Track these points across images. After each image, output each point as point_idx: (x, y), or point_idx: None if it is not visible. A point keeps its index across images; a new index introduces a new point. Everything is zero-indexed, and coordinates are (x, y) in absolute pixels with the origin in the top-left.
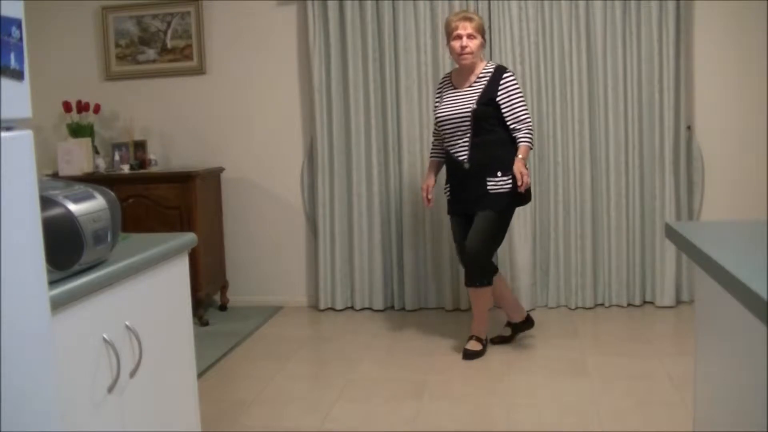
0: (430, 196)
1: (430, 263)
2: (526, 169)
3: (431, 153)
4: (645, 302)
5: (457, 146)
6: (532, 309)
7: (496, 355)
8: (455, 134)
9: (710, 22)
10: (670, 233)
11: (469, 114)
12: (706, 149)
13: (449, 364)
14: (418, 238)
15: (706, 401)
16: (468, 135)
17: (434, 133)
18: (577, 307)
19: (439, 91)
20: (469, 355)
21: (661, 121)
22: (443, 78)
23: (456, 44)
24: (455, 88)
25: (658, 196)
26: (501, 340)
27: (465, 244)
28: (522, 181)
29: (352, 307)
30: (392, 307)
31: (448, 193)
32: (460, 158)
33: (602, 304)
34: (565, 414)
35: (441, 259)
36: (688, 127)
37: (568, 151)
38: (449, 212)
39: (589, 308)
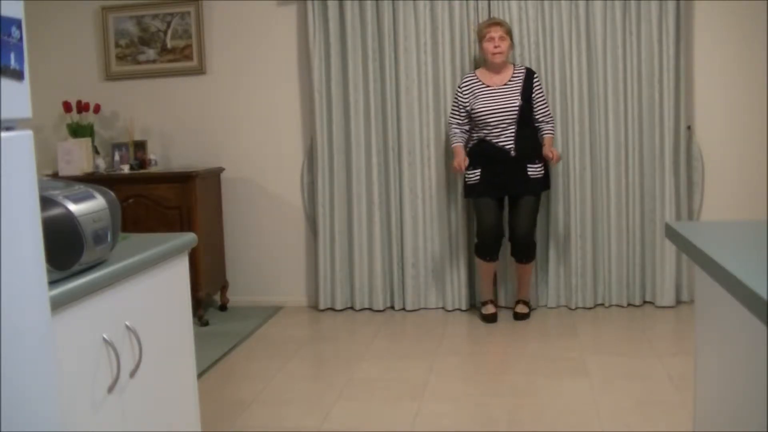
0: (466, 164)
1: (430, 263)
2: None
3: (458, 140)
4: (645, 302)
5: (503, 136)
6: (533, 309)
7: (496, 354)
8: (499, 126)
9: (710, 22)
10: (670, 233)
11: (517, 108)
12: (706, 149)
13: (449, 364)
14: (418, 238)
15: (706, 401)
16: (513, 127)
17: (458, 123)
18: (577, 307)
19: (468, 87)
20: (521, 317)
21: (661, 121)
22: (469, 77)
23: (489, 45)
24: (488, 86)
25: (658, 196)
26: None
27: (498, 224)
28: (554, 156)
29: (352, 307)
30: (392, 307)
31: (477, 178)
32: (507, 147)
33: (602, 304)
34: (565, 414)
35: (441, 259)
36: (688, 127)
37: (568, 151)
38: (479, 195)
39: (589, 308)
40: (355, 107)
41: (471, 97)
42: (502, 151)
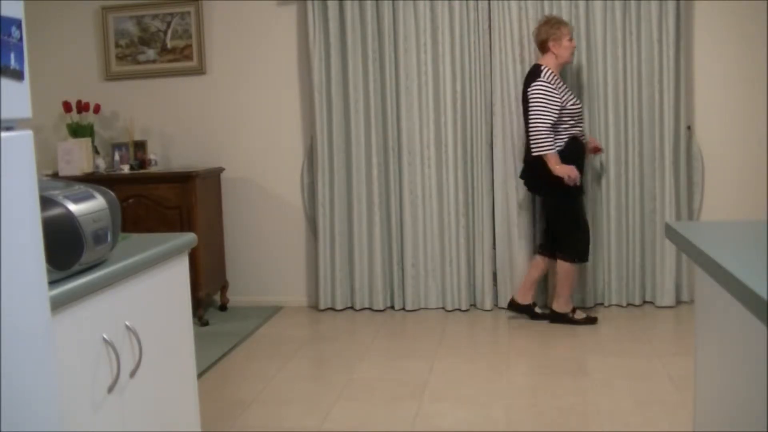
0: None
1: (430, 263)
2: None
3: (553, 146)
4: (645, 302)
5: (581, 133)
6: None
7: (496, 354)
8: (582, 123)
9: (710, 22)
10: (670, 233)
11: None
12: (706, 149)
13: (449, 364)
14: (418, 238)
15: (706, 401)
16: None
17: (550, 125)
18: (576, 307)
19: (555, 82)
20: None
21: (661, 121)
22: (549, 72)
23: (571, 45)
24: (563, 83)
25: (658, 196)
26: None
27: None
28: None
29: (352, 307)
30: (392, 307)
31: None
32: (585, 143)
33: (602, 304)
34: (565, 414)
35: (441, 259)
36: (688, 127)
37: None
38: (579, 194)
39: (589, 308)
40: (355, 107)
41: (562, 93)
42: (585, 146)
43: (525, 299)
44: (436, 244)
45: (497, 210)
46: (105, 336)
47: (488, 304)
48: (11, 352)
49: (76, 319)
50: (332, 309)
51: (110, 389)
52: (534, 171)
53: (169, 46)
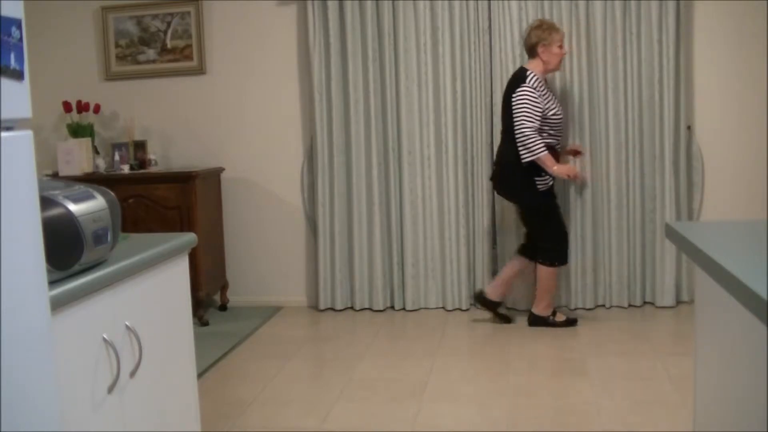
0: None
1: (430, 263)
2: None
3: (544, 148)
4: (645, 302)
5: (557, 143)
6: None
7: (496, 354)
8: (560, 134)
9: (710, 22)
10: (670, 233)
11: None
12: (706, 149)
13: (449, 364)
14: (418, 238)
15: (706, 401)
16: None
17: (536, 130)
18: (577, 308)
19: (542, 91)
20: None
21: (661, 121)
22: (537, 78)
23: (561, 51)
24: (549, 90)
25: (658, 196)
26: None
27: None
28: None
29: (352, 307)
30: (392, 307)
31: (551, 183)
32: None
33: (603, 305)
34: (565, 414)
35: (441, 259)
36: (688, 127)
37: None
38: (554, 201)
39: (590, 309)
40: (355, 107)
41: (546, 101)
42: (558, 156)
43: (494, 295)
44: (436, 244)
45: (499, 210)
46: (105, 336)
47: None
48: (11, 352)
49: (76, 319)
50: (332, 309)
51: (110, 389)
52: (507, 174)
53: (169, 46)
